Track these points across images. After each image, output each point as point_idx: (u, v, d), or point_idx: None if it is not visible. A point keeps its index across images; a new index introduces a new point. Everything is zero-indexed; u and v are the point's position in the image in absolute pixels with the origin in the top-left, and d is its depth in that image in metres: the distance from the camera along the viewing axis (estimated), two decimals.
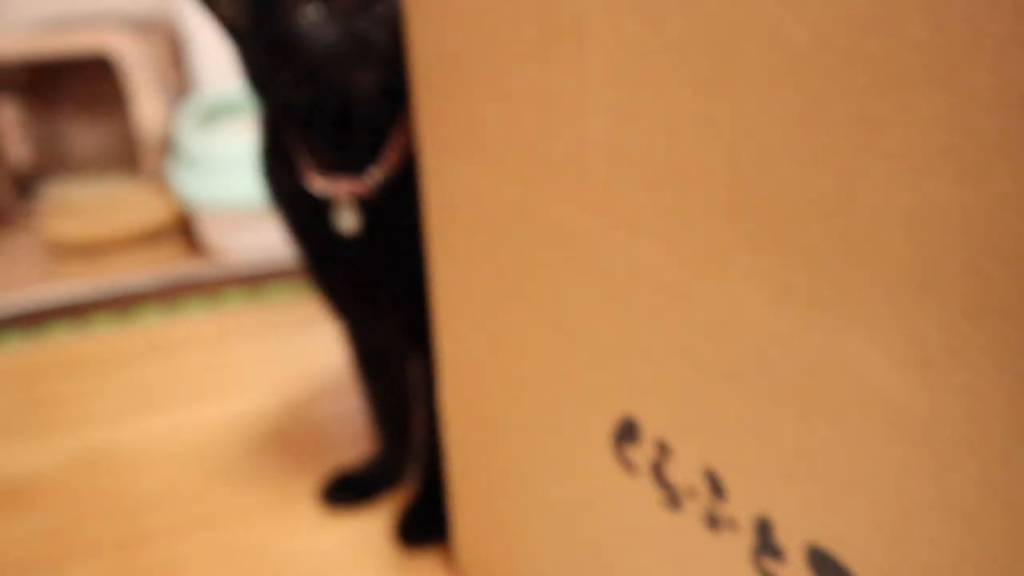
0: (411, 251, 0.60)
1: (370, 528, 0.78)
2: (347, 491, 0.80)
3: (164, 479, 0.88)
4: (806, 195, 0.30)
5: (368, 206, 0.60)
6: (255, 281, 1.39)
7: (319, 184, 0.59)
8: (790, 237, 0.31)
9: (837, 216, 0.29)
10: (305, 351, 1.14)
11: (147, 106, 1.63)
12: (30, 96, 1.84)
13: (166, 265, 1.48)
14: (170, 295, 1.37)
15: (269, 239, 1.32)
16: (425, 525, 0.73)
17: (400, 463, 0.81)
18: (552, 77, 0.42)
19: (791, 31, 0.29)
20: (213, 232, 1.47)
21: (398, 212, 0.60)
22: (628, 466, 0.45)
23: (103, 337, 1.24)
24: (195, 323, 1.27)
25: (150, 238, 1.53)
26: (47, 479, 0.90)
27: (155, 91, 1.62)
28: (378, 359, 0.76)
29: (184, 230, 1.60)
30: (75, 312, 1.32)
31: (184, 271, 1.45)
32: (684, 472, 0.41)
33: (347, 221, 0.59)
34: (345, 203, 0.59)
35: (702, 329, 0.37)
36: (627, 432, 0.45)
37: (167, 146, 1.66)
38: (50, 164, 1.92)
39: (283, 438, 0.94)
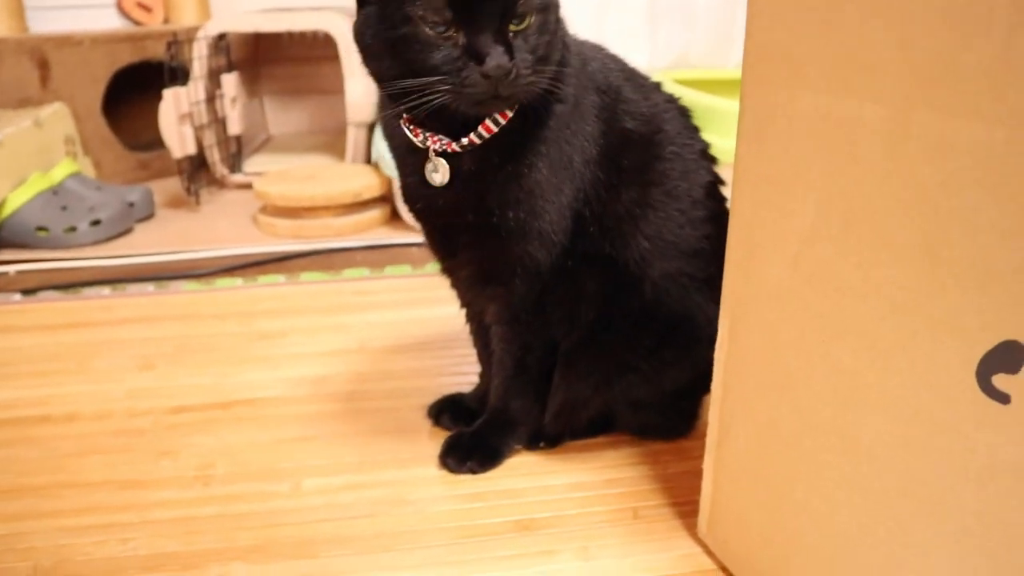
0: (490, 208, 0.71)
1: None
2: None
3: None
4: None
5: (457, 165, 0.71)
6: None
7: (419, 137, 0.71)
8: None
9: None
10: None
11: (358, 84, 1.71)
12: (246, 74, 1.98)
13: (372, 231, 1.58)
14: (373, 258, 1.44)
15: None
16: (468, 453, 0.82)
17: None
18: None
19: None
20: None
21: (482, 174, 0.71)
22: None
23: (310, 286, 1.30)
24: (396, 282, 1.32)
25: (355, 208, 1.60)
26: (270, 400, 0.95)
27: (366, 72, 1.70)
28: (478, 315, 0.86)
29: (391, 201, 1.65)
30: (286, 264, 1.39)
31: (387, 238, 1.54)
32: None
33: (438, 174, 0.71)
34: (437, 158, 0.71)
35: None
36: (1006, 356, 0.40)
37: (373, 125, 1.74)
38: (255, 139, 2.05)
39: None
